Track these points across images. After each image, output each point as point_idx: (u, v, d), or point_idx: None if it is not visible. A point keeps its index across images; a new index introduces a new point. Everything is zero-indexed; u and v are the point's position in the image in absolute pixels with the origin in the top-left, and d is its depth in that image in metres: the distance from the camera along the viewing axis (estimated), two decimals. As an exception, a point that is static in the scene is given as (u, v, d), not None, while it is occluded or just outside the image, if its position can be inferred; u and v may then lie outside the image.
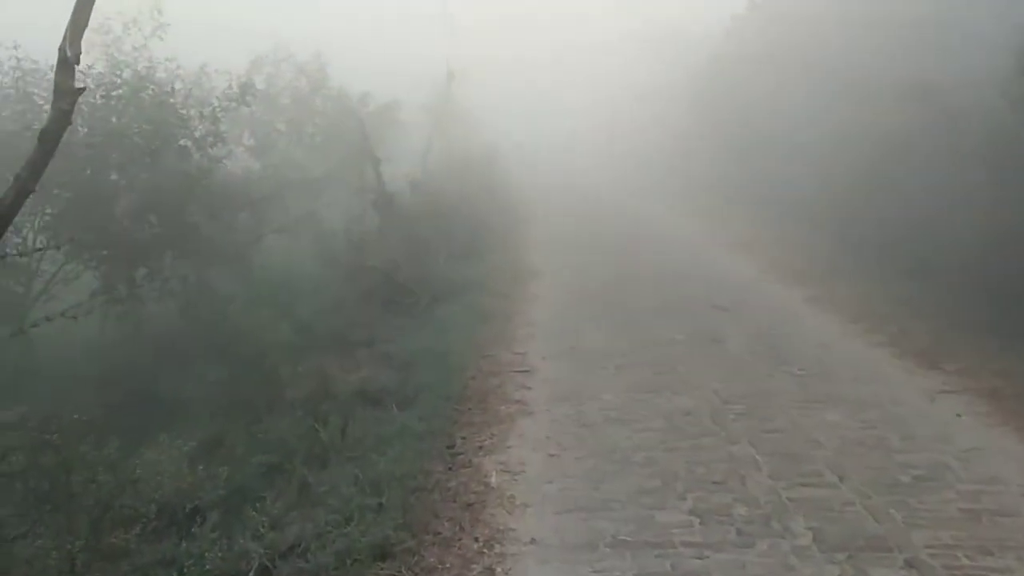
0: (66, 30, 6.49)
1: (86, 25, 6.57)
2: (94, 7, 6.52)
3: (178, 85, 17.03)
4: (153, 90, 12.61)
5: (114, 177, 12.97)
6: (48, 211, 12.50)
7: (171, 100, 12.82)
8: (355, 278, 14.29)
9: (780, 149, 22.27)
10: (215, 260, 14.78)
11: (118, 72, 13.21)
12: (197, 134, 12.90)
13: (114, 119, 12.31)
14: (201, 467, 7.35)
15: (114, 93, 12.46)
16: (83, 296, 13.42)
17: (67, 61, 6.42)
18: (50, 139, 6.46)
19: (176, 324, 13.00)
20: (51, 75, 8.22)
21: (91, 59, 14.81)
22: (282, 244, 16.42)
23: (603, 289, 15.70)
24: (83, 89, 6.68)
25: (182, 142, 12.62)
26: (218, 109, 13.35)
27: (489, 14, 56.23)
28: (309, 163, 20.83)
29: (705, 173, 27.96)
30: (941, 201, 15.70)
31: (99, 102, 12.34)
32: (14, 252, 10.25)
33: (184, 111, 12.85)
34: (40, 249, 11.39)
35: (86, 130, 11.96)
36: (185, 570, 5.78)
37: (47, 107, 11.66)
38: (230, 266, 14.94)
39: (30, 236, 12.78)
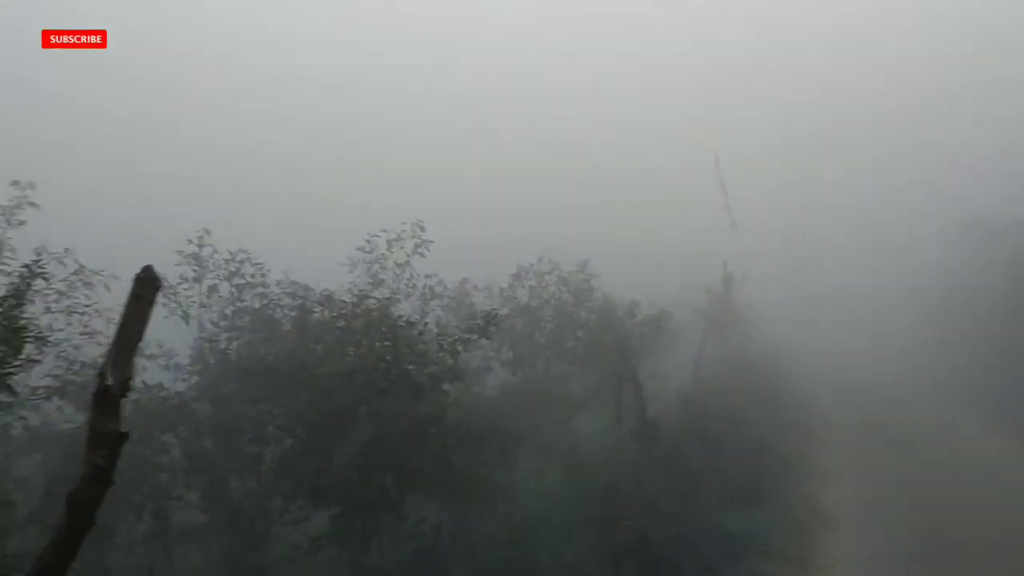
0: (109, 349, 4.77)
1: (138, 341, 4.86)
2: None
3: (435, 303, 16.74)
4: (390, 323, 11.83)
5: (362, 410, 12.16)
6: (275, 453, 11.88)
7: (411, 332, 11.95)
8: (606, 533, 12.02)
9: None
10: (455, 501, 13.33)
11: (363, 300, 12.69)
12: (433, 369, 11.84)
13: (351, 351, 11.61)
14: None
15: (354, 324, 11.82)
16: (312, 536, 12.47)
17: (109, 392, 4.58)
18: (79, 505, 4.70)
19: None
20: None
21: (353, 277, 14.83)
22: (532, 478, 14.71)
23: (921, 557, 12.20)
24: (126, 435, 4.76)
25: (416, 379, 11.58)
26: (458, 342, 12.29)
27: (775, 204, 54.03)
28: (569, 381, 19.32)
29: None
30: None
31: (337, 335, 11.77)
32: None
33: (421, 345, 11.88)
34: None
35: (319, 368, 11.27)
36: None
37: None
38: (471, 507, 13.37)
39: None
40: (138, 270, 4.91)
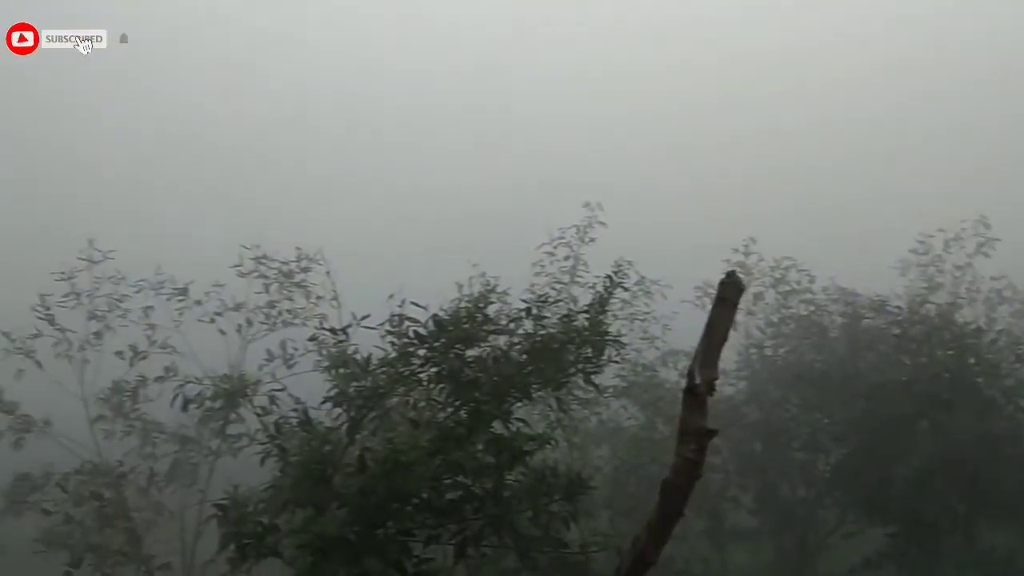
0: (697, 351, 4.88)
1: (723, 342, 4.93)
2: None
3: (1004, 309, 14.79)
4: (953, 330, 10.69)
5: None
6: (827, 462, 11.58)
7: (979, 341, 10.64)
8: None
9: None
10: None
11: (920, 305, 11.76)
12: (1009, 383, 10.37)
13: (907, 360, 10.75)
14: None
15: (911, 331, 10.97)
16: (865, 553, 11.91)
17: (697, 390, 4.73)
18: (671, 494, 4.88)
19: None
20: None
21: (905, 281, 13.89)
22: None
23: None
24: (715, 432, 4.89)
25: (986, 393, 10.26)
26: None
27: None
28: None
29: None
30: None
31: (892, 342, 11.01)
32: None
33: (991, 356, 10.48)
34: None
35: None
36: None
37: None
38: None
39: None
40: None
